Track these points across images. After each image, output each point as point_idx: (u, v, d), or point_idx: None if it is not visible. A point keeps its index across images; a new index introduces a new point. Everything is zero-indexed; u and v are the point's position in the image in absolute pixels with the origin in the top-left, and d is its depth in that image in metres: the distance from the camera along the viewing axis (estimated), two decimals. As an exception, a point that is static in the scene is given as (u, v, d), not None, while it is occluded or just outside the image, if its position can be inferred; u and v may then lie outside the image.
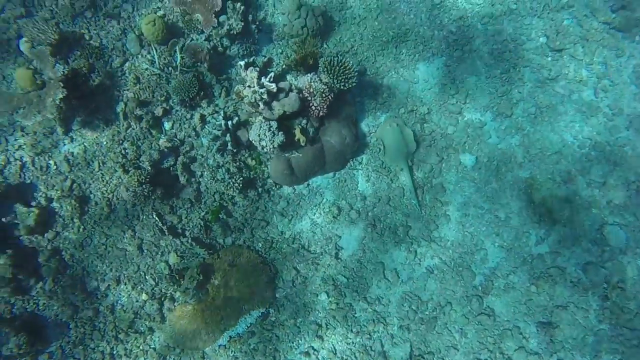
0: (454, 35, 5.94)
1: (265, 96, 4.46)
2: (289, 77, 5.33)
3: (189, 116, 5.17)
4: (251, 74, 4.51)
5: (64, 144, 5.14)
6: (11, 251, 4.69)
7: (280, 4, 5.66)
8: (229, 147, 4.88)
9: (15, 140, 5.05)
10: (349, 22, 5.84)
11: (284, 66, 5.34)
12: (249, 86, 4.52)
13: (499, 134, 5.76)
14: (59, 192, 5.01)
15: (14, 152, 5.05)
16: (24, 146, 5.03)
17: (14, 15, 5.07)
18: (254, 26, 5.32)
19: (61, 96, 4.45)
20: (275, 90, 4.49)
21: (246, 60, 4.75)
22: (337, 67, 4.87)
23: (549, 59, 5.86)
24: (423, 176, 5.64)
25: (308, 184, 5.49)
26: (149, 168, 4.89)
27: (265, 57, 5.13)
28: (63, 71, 4.62)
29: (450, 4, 6.00)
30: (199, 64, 5.10)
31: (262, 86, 4.47)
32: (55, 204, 5.01)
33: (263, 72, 4.72)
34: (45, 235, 4.96)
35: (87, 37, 5.21)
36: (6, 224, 4.82)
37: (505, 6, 6.00)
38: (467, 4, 6.01)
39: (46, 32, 4.89)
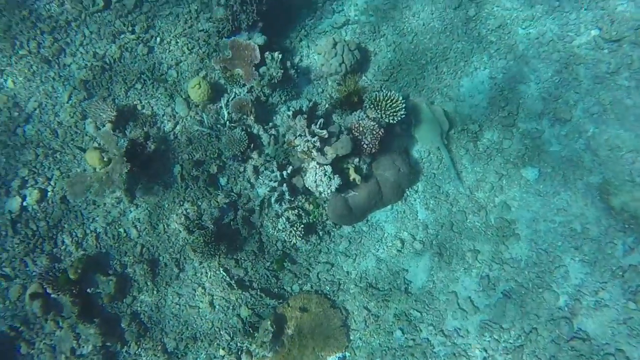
0: (495, 45, 5.62)
1: (317, 144, 4.37)
2: (334, 116, 5.23)
3: (242, 169, 5.18)
4: (300, 123, 4.44)
5: (130, 211, 5.28)
6: (98, 320, 4.86)
7: (314, 44, 5.61)
8: (286, 196, 4.82)
9: (89, 213, 5.26)
10: (385, 50, 5.68)
11: (327, 106, 5.25)
12: (299, 135, 4.45)
13: (560, 141, 5.33)
14: (131, 258, 5.14)
15: (89, 225, 5.26)
16: (97, 218, 5.23)
17: (78, 100, 5.35)
18: (292, 71, 5.28)
19: (126, 170, 4.59)
20: (326, 136, 4.39)
21: (293, 109, 4.69)
22: (383, 102, 4.70)
23: (606, 51, 5.39)
24: (484, 196, 5.31)
25: (367, 220, 5.32)
26: (212, 226, 4.91)
27: (309, 101, 5.05)
28: (124, 144, 4.77)
29: (486, 14, 5.70)
30: (245, 117, 5.11)
31: (313, 134, 4.38)
32: (129, 270, 5.15)
33: (311, 119, 4.64)
34: (124, 300, 5.10)
35: (139, 107, 5.38)
36: (91, 295, 5.00)
37: (546, 5, 5.61)
38: (504, 10, 5.68)
39: (105, 111, 5.09)
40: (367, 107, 4.75)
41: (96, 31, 5.50)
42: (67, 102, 5.40)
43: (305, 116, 4.59)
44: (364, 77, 5.61)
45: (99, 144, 5.01)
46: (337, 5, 5.68)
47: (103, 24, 5.52)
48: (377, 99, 4.68)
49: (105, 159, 4.85)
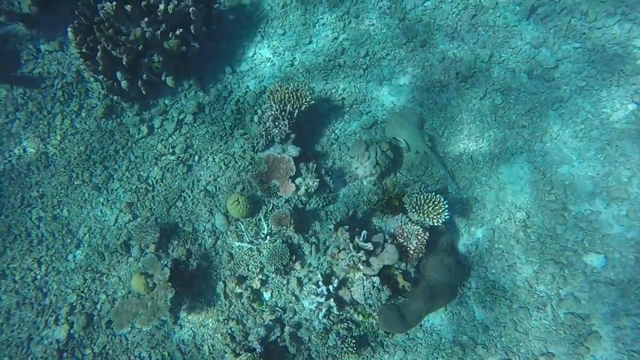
0: (527, 129, 5.40)
1: (362, 258, 4.09)
2: (375, 219, 4.98)
3: (285, 282, 4.90)
4: (343, 236, 4.21)
5: (174, 333, 5.00)
6: None
7: (345, 147, 5.56)
8: (334, 310, 4.44)
9: (133, 337, 5.02)
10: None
11: (366, 208, 5.04)
12: (343, 249, 4.20)
13: (622, 222, 4.82)
14: (176, 384, 4.75)
15: (134, 350, 4.99)
16: (142, 342, 4.96)
17: (124, 222, 5.39)
18: (328, 177, 5.18)
19: (171, 296, 4.40)
20: (371, 249, 4.12)
21: (334, 222, 4.49)
22: (425, 205, 4.44)
23: (648, 126, 5.04)
24: (546, 289, 4.74)
25: (421, 325, 4.80)
26: (259, 347, 4.54)
27: (348, 210, 4.87)
28: (168, 270, 4.63)
29: (514, 99, 5.56)
30: (284, 228, 4.95)
31: (357, 248, 4.12)
32: (175, 398, 4.74)
33: (353, 228, 4.41)
34: None
35: (180, 225, 5.34)
36: None
37: (573, 85, 5.43)
38: (530, 94, 5.53)
39: (149, 233, 5.06)
40: (409, 210, 4.50)
41: (140, 156, 5.69)
42: (114, 225, 5.44)
43: (347, 227, 4.36)
44: (399, 174, 5.44)
45: (144, 269, 4.90)
46: (364, 107, 5.71)
47: (147, 148, 5.72)
48: (419, 202, 4.43)
49: (150, 285, 4.70)
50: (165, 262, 4.73)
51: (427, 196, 4.42)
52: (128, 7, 4.82)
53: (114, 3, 4.69)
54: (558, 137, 5.20)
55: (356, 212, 4.76)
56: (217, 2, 5.48)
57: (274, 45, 5.99)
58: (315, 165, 4.93)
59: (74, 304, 5.12)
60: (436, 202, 4.36)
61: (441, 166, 4.91)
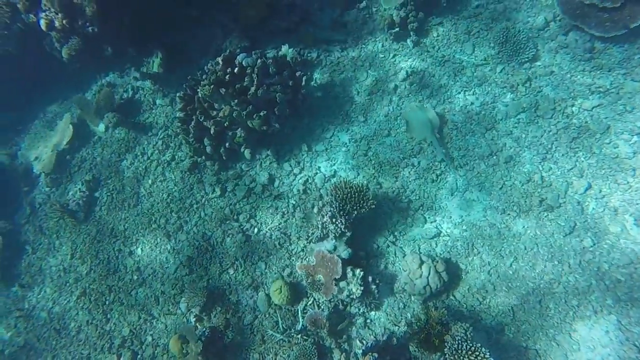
0: (622, 285, 4.38)
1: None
2: (411, 347, 4.44)
3: (307, 385, 4.59)
4: (368, 372, 3.78)
5: (199, 395, 4.99)
6: None
7: (401, 252, 5.11)
8: None
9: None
10: (477, 270, 4.87)
11: (404, 330, 4.52)
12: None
13: None
14: None
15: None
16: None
17: (181, 274, 5.62)
18: (374, 286, 4.78)
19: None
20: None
21: (363, 347, 4.10)
22: (466, 356, 3.81)
23: None
24: None
25: None
26: None
27: (384, 333, 4.42)
28: (202, 341, 4.66)
29: (609, 246, 4.58)
30: (319, 329, 4.67)
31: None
32: None
33: (384, 355, 3.94)
34: None
35: (227, 292, 5.38)
36: None
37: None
38: (634, 244, 4.50)
39: (197, 295, 5.18)
40: (448, 354, 3.90)
41: (209, 214, 5.91)
42: (173, 274, 5.69)
43: (376, 355, 3.93)
44: (452, 297, 4.81)
45: (182, 333, 5.02)
46: (430, 215, 5.20)
47: (216, 209, 5.92)
48: (460, 349, 3.82)
49: (184, 351, 4.78)
50: (202, 332, 4.76)
51: (471, 346, 3.79)
52: (222, 90, 5.05)
53: (212, 87, 4.95)
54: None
55: (391, 338, 4.29)
56: (303, 88, 5.49)
57: (352, 131, 5.82)
58: (362, 273, 4.59)
59: (126, 338, 5.43)
60: (478, 355, 3.71)
61: (441, 151, 5.06)
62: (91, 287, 5.84)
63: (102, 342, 5.47)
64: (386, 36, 6.17)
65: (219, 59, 5.10)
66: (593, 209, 4.57)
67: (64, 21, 5.97)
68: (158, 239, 5.84)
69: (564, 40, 5.34)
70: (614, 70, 5.00)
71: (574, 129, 4.90)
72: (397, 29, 5.91)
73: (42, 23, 6.10)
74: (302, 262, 4.94)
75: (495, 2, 5.84)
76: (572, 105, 5.01)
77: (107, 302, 5.66)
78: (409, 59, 5.98)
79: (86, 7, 5.88)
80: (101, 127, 6.85)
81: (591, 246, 4.45)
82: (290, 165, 5.71)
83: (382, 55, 6.11)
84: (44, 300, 6.01)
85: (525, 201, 4.76)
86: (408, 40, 6.03)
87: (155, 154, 6.43)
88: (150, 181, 6.26)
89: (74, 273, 6.06)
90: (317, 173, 5.59)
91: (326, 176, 5.49)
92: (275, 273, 5.08)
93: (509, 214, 4.76)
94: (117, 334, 5.46)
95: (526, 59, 5.34)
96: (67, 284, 6.00)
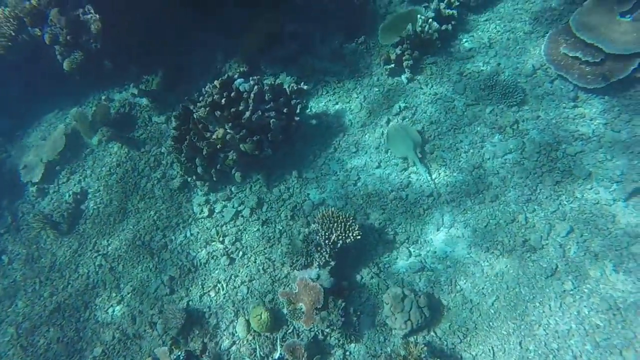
0: (600, 331, 4.38)
1: None
2: (390, 384, 4.34)
3: (280, 419, 4.43)
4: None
5: None
6: None
7: (384, 285, 5.08)
8: None
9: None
10: (459, 307, 4.85)
11: (385, 366, 4.43)
12: None
13: None
14: None
15: None
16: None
17: (162, 294, 5.51)
18: (355, 318, 4.72)
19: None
20: None
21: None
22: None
23: None
24: None
25: None
26: None
27: (362, 368, 4.32)
28: (176, 364, 4.50)
29: (589, 290, 4.60)
30: (296, 359, 4.55)
31: None
32: None
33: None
34: None
35: (207, 315, 5.26)
36: None
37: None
38: (613, 290, 4.53)
39: (176, 317, 5.05)
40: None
41: (195, 235, 5.86)
42: (153, 293, 5.57)
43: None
44: (432, 333, 4.76)
45: (156, 358, 4.86)
46: (414, 249, 5.22)
47: (202, 229, 5.87)
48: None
49: (158, 376, 4.61)
50: (178, 355, 4.62)
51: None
52: (217, 113, 5.13)
53: (207, 109, 5.03)
54: None
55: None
56: (298, 115, 5.60)
57: (343, 160, 5.90)
58: (344, 304, 4.54)
59: (98, 358, 5.23)
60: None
61: (422, 168, 5.26)
62: (66, 302, 5.67)
63: (73, 361, 5.26)
64: (382, 71, 6.37)
65: (217, 83, 5.21)
66: (574, 252, 4.63)
67: (68, 37, 6.09)
68: (141, 257, 5.77)
69: (550, 88, 5.56)
70: (595, 119, 5.21)
71: (557, 173, 5.03)
72: (392, 65, 6.12)
73: (46, 37, 6.22)
74: (284, 288, 4.88)
75: (486, 47, 6.11)
76: (557, 150, 5.17)
77: (80, 319, 5.49)
78: (402, 94, 6.16)
79: (91, 24, 6.02)
80: (94, 141, 6.87)
81: (572, 289, 4.48)
82: (280, 191, 5.74)
83: (377, 89, 6.30)
84: (13, 314, 5.82)
85: (509, 240, 4.82)
86: (403, 77, 6.23)
87: (147, 170, 6.43)
88: (138, 197, 6.23)
89: (50, 287, 5.90)
90: (305, 200, 5.62)
91: (314, 204, 5.52)
92: (256, 298, 5.01)
93: (492, 252, 4.80)
94: (88, 353, 5.27)
95: (514, 103, 5.54)
96: (42, 298, 5.83)
